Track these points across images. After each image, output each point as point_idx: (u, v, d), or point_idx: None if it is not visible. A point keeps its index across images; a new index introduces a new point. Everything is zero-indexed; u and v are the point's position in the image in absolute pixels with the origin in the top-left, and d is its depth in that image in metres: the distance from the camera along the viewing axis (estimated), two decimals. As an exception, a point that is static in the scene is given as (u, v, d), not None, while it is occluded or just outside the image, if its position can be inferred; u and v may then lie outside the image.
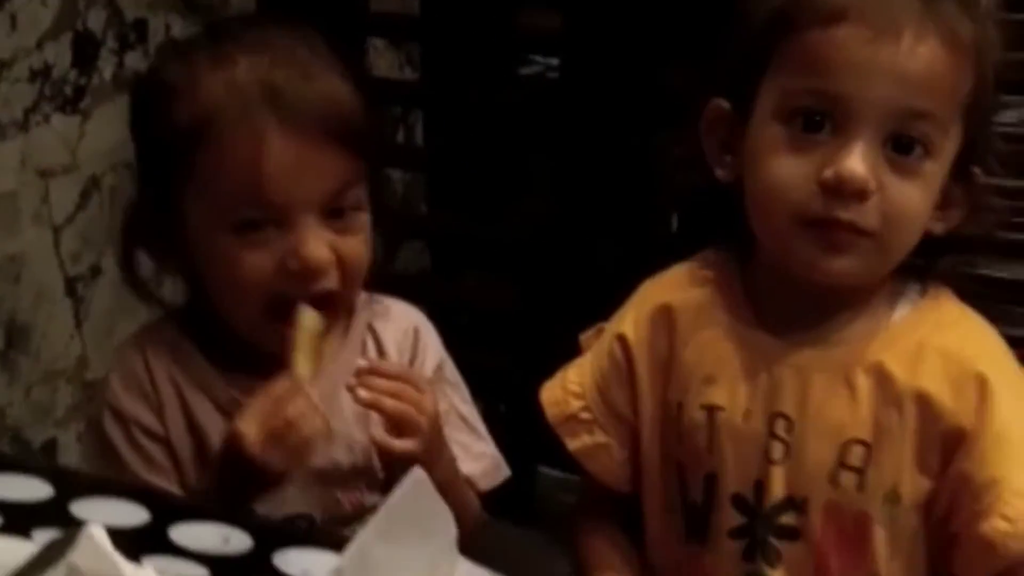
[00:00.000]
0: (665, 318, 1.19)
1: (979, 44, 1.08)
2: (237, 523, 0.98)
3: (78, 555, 0.80)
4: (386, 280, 1.30)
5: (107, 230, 2.23)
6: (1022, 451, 1.09)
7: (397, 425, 1.17)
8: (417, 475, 0.81)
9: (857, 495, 1.10)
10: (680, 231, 1.89)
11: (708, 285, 1.19)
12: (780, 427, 1.12)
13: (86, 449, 1.35)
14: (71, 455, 2.12)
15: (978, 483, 1.08)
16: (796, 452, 1.12)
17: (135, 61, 2.23)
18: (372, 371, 1.19)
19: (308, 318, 1.18)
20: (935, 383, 1.10)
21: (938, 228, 1.12)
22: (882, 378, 1.10)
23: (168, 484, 1.20)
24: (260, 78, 1.17)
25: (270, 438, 1.11)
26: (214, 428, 1.21)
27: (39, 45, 2.12)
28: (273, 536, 0.97)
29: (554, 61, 2.23)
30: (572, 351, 1.28)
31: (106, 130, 2.21)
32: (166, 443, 1.21)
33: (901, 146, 1.07)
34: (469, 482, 1.27)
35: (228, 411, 1.19)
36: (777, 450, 1.12)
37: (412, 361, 1.29)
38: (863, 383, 1.10)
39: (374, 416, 1.19)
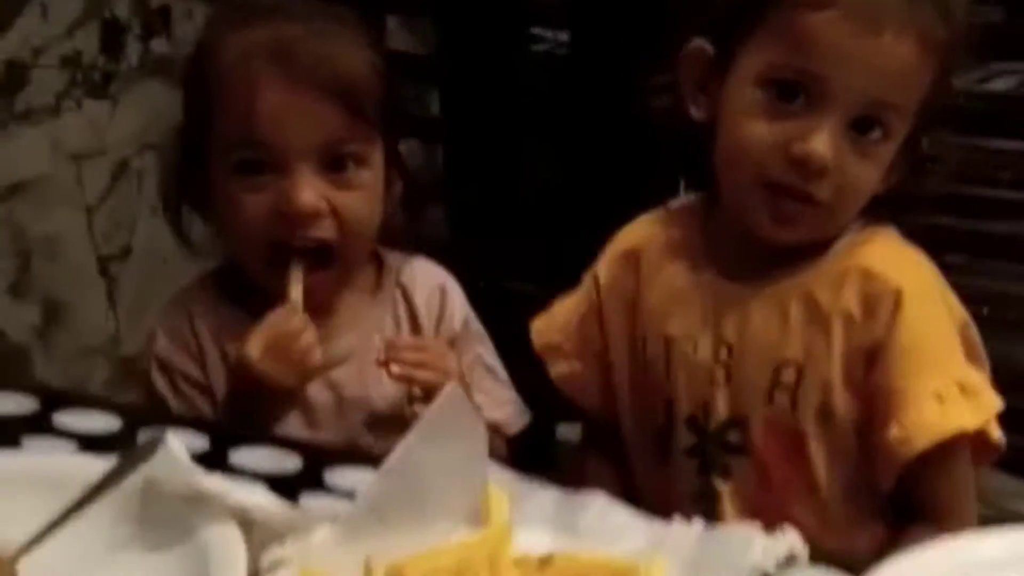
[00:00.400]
0: (632, 260, 1.28)
1: (949, 46, 1.16)
2: (290, 447, 1.07)
3: (155, 466, 0.88)
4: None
5: (136, 212, 2.32)
6: (927, 361, 1.16)
7: (428, 393, 1.26)
8: (453, 389, 0.91)
9: (791, 412, 1.18)
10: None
11: (673, 229, 1.28)
12: (723, 354, 1.21)
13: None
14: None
15: (885, 393, 1.15)
16: (736, 375, 1.21)
17: (160, 47, 2.31)
18: (395, 347, 1.28)
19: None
20: (856, 303, 1.17)
21: (880, 188, 1.20)
22: (811, 303, 1.18)
23: None
24: (272, 37, 1.26)
25: (272, 352, 1.21)
26: None
27: (69, 33, 2.18)
28: (323, 456, 1.06)
29: (564, 36, 2.30)
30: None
31: (134, 114, 2.28)
32: (208, 391, 1.31)
33: (863, 127, 1.15)
34: (496, 428, 1.35)
35: None
36: (720, 374, 1.21)
37: (440, 316, 1.37)
38: (795, 310, 1.19)
39: None
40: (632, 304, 1.28)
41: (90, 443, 1.05)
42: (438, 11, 2.42)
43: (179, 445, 0.89)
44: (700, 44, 1.21)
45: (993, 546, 0.87)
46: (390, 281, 1.37)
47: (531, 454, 1.41)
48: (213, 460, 1.00)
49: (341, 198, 1.26)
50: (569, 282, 1.35)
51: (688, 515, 0.93)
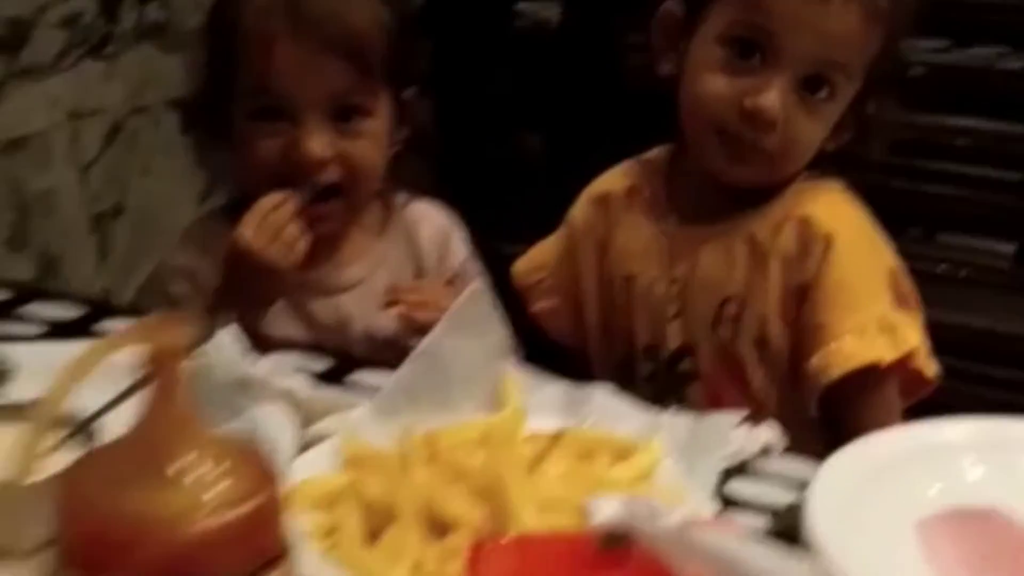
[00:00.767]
0: (603, 205, 1.41)
1: (893, 14, 1.26)
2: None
3: (209, 354, 0.97)
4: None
5: (129, 171, 2.38)
6: (851, 300, 1.26)
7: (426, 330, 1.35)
8: (475, 287, 1.01)
9: (733, 342, 1.31)
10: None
11: (640, 178, 1.40)
12: (675, 290, 1.33)
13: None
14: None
15: (812, 326, 1.27)
16: (686, 309, 1.33)
17: (154, 12, 2.35)
18: (397, 290, 1.38)
19: None
20: (792, 245, 1.29)
21: (829, 146, 1.31)
22: (753, 245, 1.30)
23: None
24: None
25: (263, 231, 1.30)
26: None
27: (71, -7, 2.23)
28: (350, 360, 1.16)
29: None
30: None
31: (129, 76, 2.34)
32: None
33: (812, 87, 1.26)
34: None
35: None
36: (672, 309, 1.33)
37: (442, 255, 1.47)
38: (739, 250, 1.31)
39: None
40: (602, 245, 1.39)
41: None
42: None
43: (230, 338, 0.99)
44: (672, 6, 1.33)
45: (953, 431, 0.97)
46: (396, 220, 1.46)
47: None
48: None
49: (347, 146, 1.35)
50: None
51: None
